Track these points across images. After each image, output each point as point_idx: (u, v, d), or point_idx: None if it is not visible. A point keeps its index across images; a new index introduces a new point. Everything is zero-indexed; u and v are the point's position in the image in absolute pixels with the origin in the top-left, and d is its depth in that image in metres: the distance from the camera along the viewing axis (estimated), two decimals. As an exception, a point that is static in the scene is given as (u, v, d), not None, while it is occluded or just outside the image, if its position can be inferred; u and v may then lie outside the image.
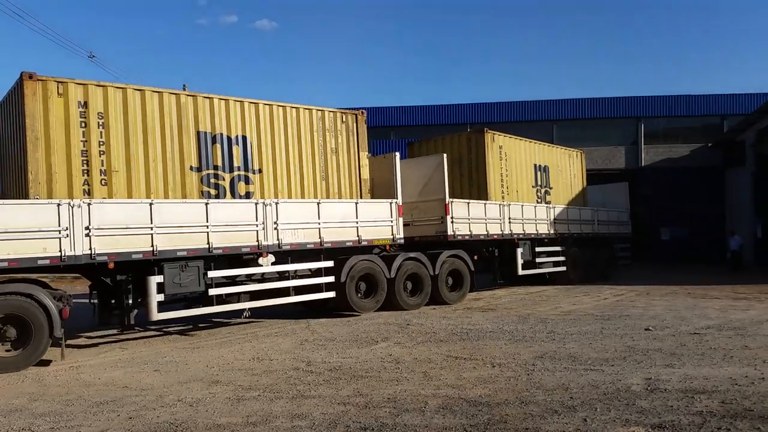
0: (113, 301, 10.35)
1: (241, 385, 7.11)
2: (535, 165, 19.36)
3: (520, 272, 16.93)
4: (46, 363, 8.88)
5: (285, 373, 7.64)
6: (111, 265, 9.63)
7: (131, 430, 5.51)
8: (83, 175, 10.04)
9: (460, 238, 14.76)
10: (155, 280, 9.96)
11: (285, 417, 5.73)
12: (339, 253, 12.64)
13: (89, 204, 9.30)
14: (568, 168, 21.44)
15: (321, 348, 9.38)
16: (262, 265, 11.55)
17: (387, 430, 5.25)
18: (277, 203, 11.55)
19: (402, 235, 13.66)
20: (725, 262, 26.34)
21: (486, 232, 15.75)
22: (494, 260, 16.74)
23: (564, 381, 6.74)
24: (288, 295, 11.95)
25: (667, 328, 10.19)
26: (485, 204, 16.06)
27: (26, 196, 9.50)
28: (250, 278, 11.66)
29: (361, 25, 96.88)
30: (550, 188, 20.09)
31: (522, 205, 17.49)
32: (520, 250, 16.91)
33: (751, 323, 10.41)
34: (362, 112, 13.94)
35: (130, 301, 10.02)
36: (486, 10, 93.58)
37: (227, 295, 11.21)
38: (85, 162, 10.07)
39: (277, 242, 11.47)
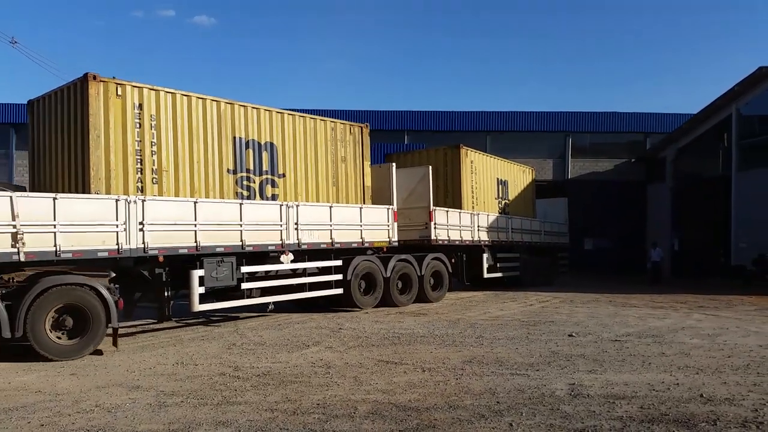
0: (138, 295, 10.69)
1: (163, 390, 6.84)
2: (498, 179, 21.26)
3: (486, 275, 18.65)
4: (99, 353, 9.14)
5: (210, 379, 7.41)
6: (161, 259, 10.23)
7: (42, 438, 5.19)
8: (137, 173, 10.67)
9: (441, 242, 16.22)
10: (197, 273, 10.76)
11: (209, 424, 5.54)
12: (345, 253, 13.73)
13: (143, 200, 9.95)
14: (522, 182, 23.57)
15: (250, 353, 9.17)
16: (283, 263, 12.45)
17: (315, 436, 5.16)
18: (297, 206, 12.65)
19: (396, 238, 14.97)
20: (645, 273, 27.61)
21: (460, 238, 17.34)
22: (462, 264, 17.93)
23: (491, 385, 6.85)
24: (303, 290, 12.98)
25: (589, 334, 10.54)
26: (460, 213, 17.60)
27: (86, 192, 9.97)
28: (271, 274, 12.49)
29: (302, 22, 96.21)
30: (509, 201, 22.14)
31: (488, 215, 19.31)
32: (485, 255, 18.62)
33: (667, 331, 10.92)
34: (366, 125, 15.24)
35: (168, 294, 10.66)
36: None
37: (255, 289, 12.18)
38: (139, 161, 10.70)
39: (297, 241, 12.56)
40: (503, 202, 21.47)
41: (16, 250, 8.50)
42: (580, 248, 32.32)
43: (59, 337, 8.81)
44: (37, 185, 11.35)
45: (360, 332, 10.95)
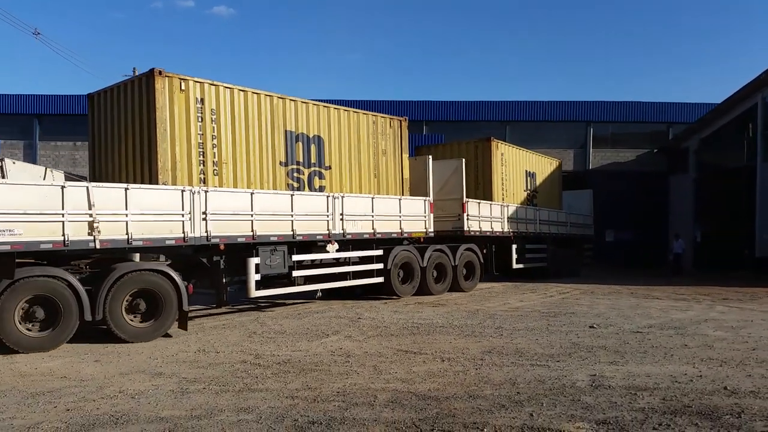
0: (193, 281, 10.79)
1: (185, 377, 6.92)
2: (526, 171, 21.46)
3: (514, 266, 18.95)
4: (167, 336, 9.71)
5: (232, 366, 7.49)
6: (222, 247, 10.73)
7: (68, 422, 5.28)
8: (200, 165, 11.12)
9: (473, 233, 16.60)
10: (254, 261, 11.25)
11: (231, 410, 5.60)
12: (384, 243, 14.17)
13: (206, 191, 10.40)
14: (549, 174, 23.74)
15: (270, 341, 9.24)
16: (329, 252, 12.87)
17: (336, 424, 5.19)
18: (343, 197, 13.06)
19: (432, 229, 15.36)
20: (667, 265, 27.27)
21: (491, 229, 17.75)
22: (492, 255, 18.17)
23: (511, 376, 6.83)
24: (346, 279, 13.45)
25: (610, 326, 10.46)
26: (491, 204, 17.97)
27: (153, 182, 10.39)
28: (317, 263, 12.94)
29: (322, 14, 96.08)
30: (537, 192, 22.31)
31: (517, 207, 19.69)
32: (515, 246, 18.92)
33: (690, 323, 10.79)
34: (405, 119, 15.61)
35: (225, 280, 11.06)
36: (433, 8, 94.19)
37: (302, 276, 12.62)
38: (201, 153, 11.15)
39: (341, 231, 12.97)
40: (531, 193, 21.76)
41: (92, 237, 8.92)
42: (601, 239, 32.06)
43: (132, 320, 9.38)
44: (97, 176, 11.72)
45: (379, 322, 10.97)
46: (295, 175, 12.87)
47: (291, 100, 12.87)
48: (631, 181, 33.24)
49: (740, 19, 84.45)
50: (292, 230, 11.93)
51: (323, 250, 12.80)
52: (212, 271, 10.91)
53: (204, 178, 11.15)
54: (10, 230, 8.18)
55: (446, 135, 29.80)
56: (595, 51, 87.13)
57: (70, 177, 10.95)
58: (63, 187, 8.75)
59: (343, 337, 9.53)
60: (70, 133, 30.64)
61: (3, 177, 10.51)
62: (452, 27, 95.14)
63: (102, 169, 11.69)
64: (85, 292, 8.77)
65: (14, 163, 11.69)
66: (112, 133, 11.44)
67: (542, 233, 21.14)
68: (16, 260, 8.26)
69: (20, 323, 8.37)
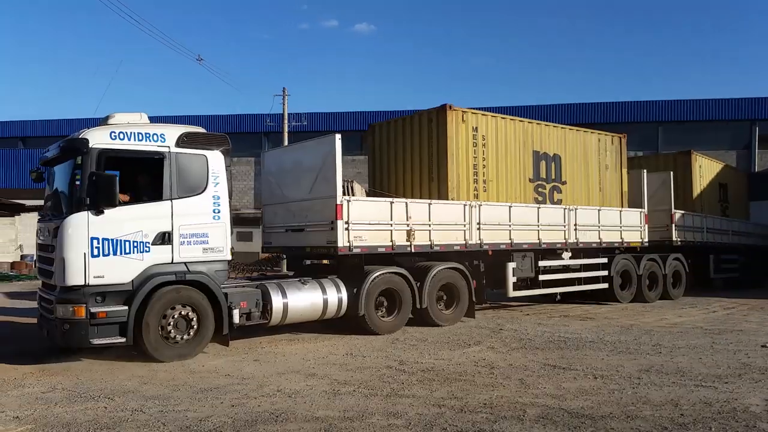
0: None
1: (336, 379, 7.21)
2: (719, 183, 21.18)
3: (712, 276, 19.03)
4: (472, 315, 12.01)
5: (378, 371, 7.67)
6: (490, 253, 12.41)
7: (234, 417, 5.70)
8: (473, 183, 12.72)
9: (679, 243, 17.25)
10: (511, 265, 12.75)
11: (381, 414, 5.74)
12: (605, 252, 15.12)
13: (480, 205, 12.21)
14: (738, 185, 23.22)
15: (412, 348, 9.36)
16: (564, 259, 14.02)
17: (485, 435, 5.13)
18: (576, 209, 14.20)
19: (647, 239, 16.06)
20: None
21: (693, 239, 18.11)
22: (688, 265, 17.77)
23: (673, 396, 6.35)
24: (575, 284, 14.43)
25: (787, 346, 9.38)
26: (693, 215, 18.20)
27: (442, 198, 12.09)
28: (555, 268, 14.00)
29: (458, 27, 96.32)
30: (728, 203, 21.73)
31: (713, 218, 19.70)
32: (712, 257, 19.00)
33: None
34: (624, 135, 16.43)
35: (484, 281, 12.40)
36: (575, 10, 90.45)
37: (548, 280, 13.83)
38: (474, 173, 12.74)
39: (575, 240, 14.10)
40: (723, 204, 21.58)
41: (409, 243, 11.06)
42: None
43: (442, 310, 11.61)
44: (377, 190, 13.43)
45: (522, 334, 10.70)
46: (540, 189, 14.12)
47: (537, 123, 14.47)
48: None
49: None
50: (538, 239, 13.27)
51: (559, 257, 13.95)
52: (475, 274, 12.21)
53: (476, 194, 12.68)
54: (360, 237, 10.39)
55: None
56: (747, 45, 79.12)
57: (372, 192, 13.15)
58: (391, 202, 11.07)
59: (485, 347, 9.41)
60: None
61: (357, 194, 12.15)
62: (591, 25, 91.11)
63: (382, 186, 13.54)
64: (416, 286, 10.95)
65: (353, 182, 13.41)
66: (395, 156, 13.39)
67: (734, 244, 20.88)
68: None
69: (376, 310, 10.72)
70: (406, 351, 9.09)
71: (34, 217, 29.24)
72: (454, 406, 6.04)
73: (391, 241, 10.84)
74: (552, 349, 9.20)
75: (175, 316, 8.27)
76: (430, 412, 5.83)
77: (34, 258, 29.19)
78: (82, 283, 7.73)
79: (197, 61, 32.00)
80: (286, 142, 30.96)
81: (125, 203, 8.11)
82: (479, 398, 6.33)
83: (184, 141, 8.55)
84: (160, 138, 8.41)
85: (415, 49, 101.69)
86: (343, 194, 10.50)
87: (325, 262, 11.76)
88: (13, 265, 26.63)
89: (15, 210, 29.10)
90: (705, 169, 20.02)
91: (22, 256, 27.73)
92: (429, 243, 11.35)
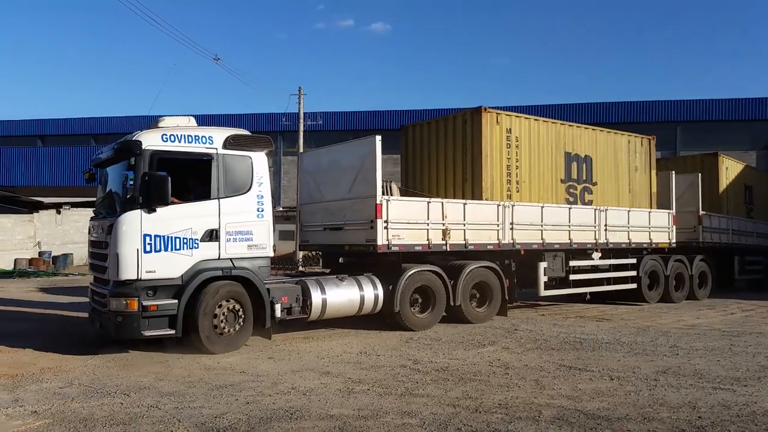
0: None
1: (350, 377, 7.21)
2: (744, 185, 21.29)
3: (737, 276, 19.11)
4: (504, 314, 12.25)
5: (392, 370, 7.66)
6: (522, 252, 12.54)
7: (249, 414, 5.72)
8: (506, 184, 12.89)
9: (707, 244, 17.36)
10: (543, 265, 12.89)
11: (395, 413, 5.73)
12: (634, 252, 15.13)
13: (513, 205, 12.37)
14: (762, 186, 23.09)
15: (426, 347, 9.33)
16: (594, 259, 14.10)
17: (500, 436, 5.10)
18: (606, 210, 14.29)
19: (675, 240, 16.10)
20: None
21: (720, 241, 18.23)
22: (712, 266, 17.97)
23: (690, 399, 6.27)
24: (603, 284, 14.50)
25: (808, 350, 9.23)
26: (719, 217, 18.34)
27: (476, 198, 12.27)
28: (584, 268, 14.09)
29: (474, 27, 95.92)
30: (754, 205, 21.85)
31: (739, 220, 19.91)
32: (737, 258, 19.13)
33: None
34: (653, 137, 16.55)
35: (515, 281, 12.54)
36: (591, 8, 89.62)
37: (578, 280, 13.92)
38: (508, 174, 12.93)
39: (605, 240, 14.16)
40: (749, 207, 21.71)
41: (444, 242, 11.25)
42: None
43: (475, 308, 11.79)
44: (410, 193, 13.43)
45: (537, 334, 10.62)
46: (571, 190, 14.27)
47: (569, 125, 14.60)
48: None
49: None
50: (569, 239, 13.36)
51: (589, 257, 14.00)
52: (507, 273, 12.38)
53: (510, 195, 12.84)
54: (398, 236, 10.62)
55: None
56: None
57: (404, 191, 13.19)
58: (428, 202, 11.27)
59: (500, 348, 9.36)
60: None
61: (394, 194, 12.23)
62: (607, 25, 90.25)
63: (415, 185, 13.74)
64: (450, 284, 11.20)
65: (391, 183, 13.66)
66: (428, 156, 13.62)
67: (760, 246, 21.02)
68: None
69: (411, 307, 10.92)
70: (420, 350, 9.06)
71: (52, 214, 29.75)
72: (469, 406, 6.01)
73: (428, 239, 11.08)
74: (567, 350, 9.12)
75: (225, 311, 8.68)
76: (444, 411, 5.81)
77: (51, 254, 29.27)
78: (135, 278, 8.13)
79: (215, 60, 32.15)
80: (301, 141, 31.07)
81: (175, 202, 8.45)
82: (494, 398, 6.30)
83: (230, 143, 8.94)
84: (208, 140, 8.80)
85: (428, 48, 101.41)
86: (382, 194, 10.71)
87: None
88: (31, 261, 26.98)
89: (34, 207, 29.49)
90: (731, 171, 20.15)
91: (40, 253, 28.08)
92: (464, 242, 11.56)
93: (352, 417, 5.61)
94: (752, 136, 31.10)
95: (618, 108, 32.14)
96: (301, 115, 32.41)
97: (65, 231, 29.37)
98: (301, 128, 31.92)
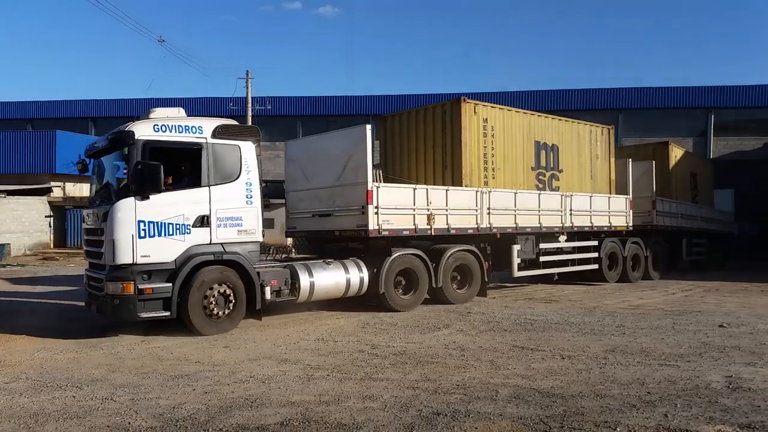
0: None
1: (309, 364, 7.20)
2: (690, 172, 22.60)
3: (684, 258, 20.61)
4: (484, 294, 12.91)
5: (351, 355, 7.69)
6: (498, 236, 13.20)
7: (208, 404, 5.64)
8: (483, 171, 13.47)
9: (660, 228, 18.52)
10: (516, 248, 13.57)
11: (356, 398, 5.76)
12: (595, 235, 16.09)
13: (490, 191, 12.97)
14: (706, 175, 24.59)
15: (383, 332, 9.40)
16: (560, 242, 14.92)
17: (461, 416, 5.20)
18: (572, 195, 15.13)
19: (632, 223, 17.09)
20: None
21: (670, 224, 19.31)
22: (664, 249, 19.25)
23: (639, 375, 6.55)
24: (568, 265, 15.36)
25: (743, 325, 9.76)
26: (671, 202, 19.46)
27: (456, 186, 12.72)
28: (551, 250, 14.85)
29: (423, 14, 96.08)
30: (697, 191, 23.08)
31: (687, 204, 21.18)
32: (685, 241, 20.44)
33: (836, 325, 9.84)
34: (612, 127, 17.58)
35: (490, 263, 13.08)
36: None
37: (547, 261, 14.73)
38: (485, 162, 13.53)
39: (571, 224, 14.98)
40: (694, 192, 22.97)
41: (429, 227, 11.78)
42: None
43: (455, 289, 12.39)
44: (390, 180, 13.53)
45: (490, 317, 10.85)
46: (540, 177, 15.00)
47: (539, 115, 15.40)
48: (757, 170, 30.70)
49: None
50: (539, 223, 14.11)
51: (556, 240, 14.79)
52: (484, 256, 12.92)
53: (486, 182, 13.44)
54: (388, 221, 11.05)
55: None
56: (706, 31, 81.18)
57: (388, 178, 13.40)
58: (414, 188, 11.72)
59: (454, 330, 9.52)
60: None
61: (381, 181, 12.39)
62: (547, 15, 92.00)
63: (394, 173, 14.08)
64: (432, 267, 11.69)
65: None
66: (407, 145, 14.10)
67: (702, 229, 22.16)
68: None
69: (395, 288, 11.45)
70: (377, 335, 9.13)
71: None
72: (428, 388, 6.11)
73: (414, 224, 11.59)
74: (519, 331, 9.37)
75: (216, 294, 9.11)
76: (404, 394, 5.88)
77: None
78: (131, 262, 8.54)
79: (159, 42, 31.24)
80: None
81: (168, 189, 8.82)
82: (452, 380, 6.42)
83: (219, 132, 9.31)
84: (198, 130, 9.16)
85: (379, 33, 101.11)
86: (373, 180, 11.03)
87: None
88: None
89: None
90: (679, 159, 21.35)
91: None
92: (446, 227, 12.11)
93: (313, 403, 5.61)
94: (690, 123, 32.40)
95: (558, 96, 32.87)
96: (249, 100, 31.88)
97: (2, 221, 28.06)
98: (249, 113, 31.41)
